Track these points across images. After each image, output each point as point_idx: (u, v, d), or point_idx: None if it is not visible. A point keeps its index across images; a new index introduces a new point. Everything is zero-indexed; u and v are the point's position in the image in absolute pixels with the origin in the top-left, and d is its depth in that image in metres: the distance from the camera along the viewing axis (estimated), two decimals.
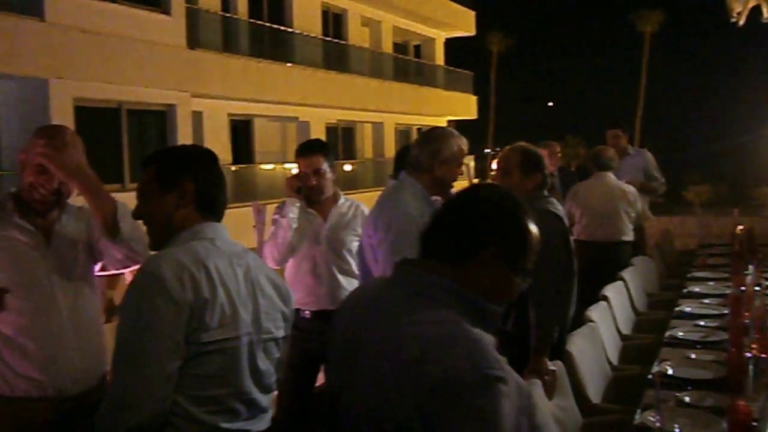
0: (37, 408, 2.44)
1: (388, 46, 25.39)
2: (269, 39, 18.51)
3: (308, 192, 3.79)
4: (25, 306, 2.46)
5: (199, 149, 2.09)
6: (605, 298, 4.60)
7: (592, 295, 4.56)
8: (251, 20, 18.14)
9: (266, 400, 1.99)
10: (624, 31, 73.84)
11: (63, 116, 11.81)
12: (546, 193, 3.67)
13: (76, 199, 2.64)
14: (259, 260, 2.08)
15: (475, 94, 30.56)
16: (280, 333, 2.03)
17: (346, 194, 4.03)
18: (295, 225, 3.71)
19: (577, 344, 3.56)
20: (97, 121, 13.37)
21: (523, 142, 3.76)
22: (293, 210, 3.72)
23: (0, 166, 11.84)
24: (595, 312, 4.21)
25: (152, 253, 1.97)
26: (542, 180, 3.62)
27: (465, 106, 29.28)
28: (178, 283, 1.78)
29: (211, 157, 2.06)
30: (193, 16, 15.65)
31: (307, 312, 3.80)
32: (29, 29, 11.84)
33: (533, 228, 1.67)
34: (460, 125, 26.56)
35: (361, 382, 1.59)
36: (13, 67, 11.67)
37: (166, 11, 14.69)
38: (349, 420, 1.63)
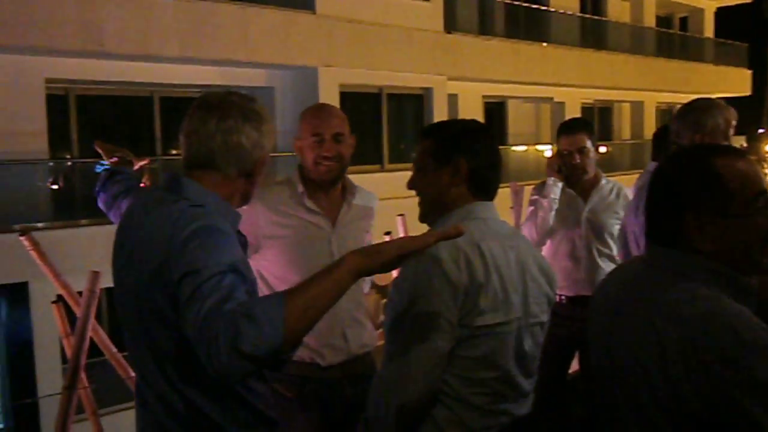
0: (310, 373, 2.63)
1: (650, 20, 23.94)
2: (525, 19, 18.29)
3: (570, 172, 3.69)
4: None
5: (476, 126, 2.01)
6: None
7: None
8: (507, 1, 18.05)
9: (529, 384, 1.96)
10: None
11: (330, 102, 12.54)
12: None
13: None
14: (528, 242, 2.03)
15: (749, 68, 27.85)
16: (545, 317, 1.99)
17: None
18: (555, 206, 3.64)
19: None
20: (359, 105, 14.16)
21: None
22: (554, 190, 3.64)
23: (276, 148, 12.97)
24: None
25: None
26: None
27: (737, 82, 26.80)
28: (454, 264, 1.76)
29: (487, 135, 2.00)
30: (450, 0, 15.93)
31: (563, 297, 3.72)
32: (302, 22, 12.83)
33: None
34: (731, 102, 24.33)
35: (621, 364, 1.54)
36: (288, 57, 12.74)
37: None
38: (609, 403, 1.58)
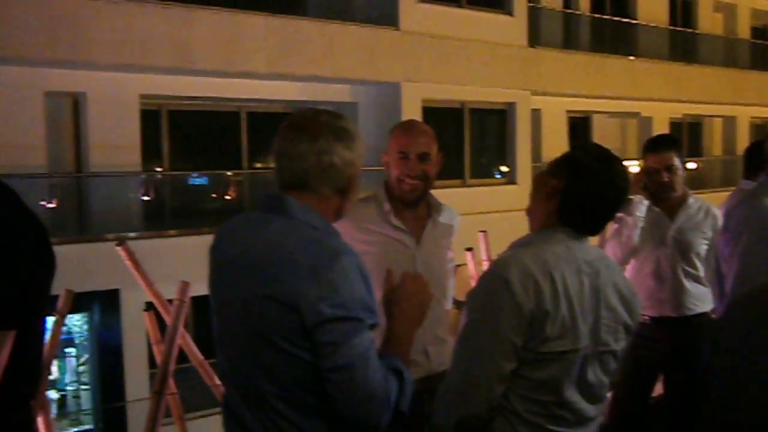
0: None
1: (744, 32, 23.12)
2: (611, 33, 17.97)
3: (657, 189, 3.60)
4: None
5: (584, 152, 1.97)
6: None
7: None
8: (593, 14, 17.78)
9: (593, 409, 1.94)
10: None
11: (412, 117, 12.70)
12: None
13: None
14: (613, 268, 1.99)
15: None
16: (620, 345, 1.96)
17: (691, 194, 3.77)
18: (641, 224, 3.56)
19: None
20: (441, 120, 14.18)
21: None
22: (640, 208, 3.56)
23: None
24: None
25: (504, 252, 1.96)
26: None
27: None
28: (522, 289, 1.78)
29: (591, 162, 1.92)
30: (534, 14, 15.81)
31: (646, 317, 3.63)
32: (386, 38, 12.98)
33: None
34: None
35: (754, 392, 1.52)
36: (372, 73, 12.90)
37: (509, 12, 15.03)
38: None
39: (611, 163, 1.92)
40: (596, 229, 1.94)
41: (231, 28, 11.27)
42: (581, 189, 1.90)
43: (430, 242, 2.74)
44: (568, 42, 16.83)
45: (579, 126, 18.57)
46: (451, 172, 14.15)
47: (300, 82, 12.65)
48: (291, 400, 1.70)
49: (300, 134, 1.78)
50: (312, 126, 1.79)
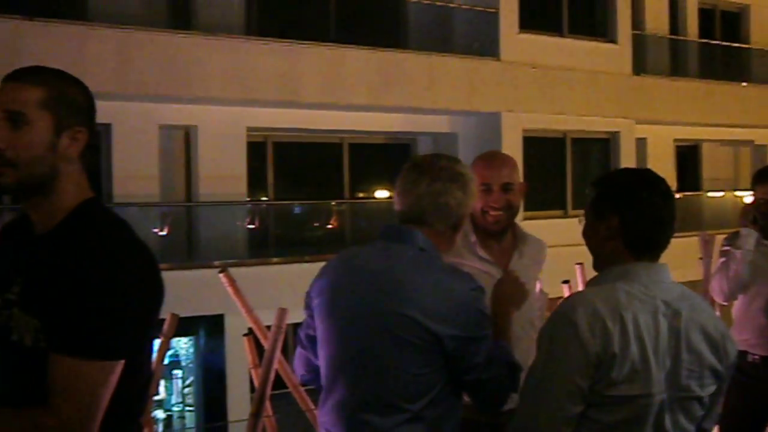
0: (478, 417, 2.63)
1: None
2: (721, 58, 17.34)
3: (766, 223, 3.46)
4: None
5: (642, 180, 1.93)
6: None
7: None
8: (701, 40, 17.23)
9: None
10: None
11: (513, 147, 12.65)
12: None
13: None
14: (700, 308, 1.89)
15: None
16: (708, 390, 1.85)
17: None
18: (749, 258, 3.42)
19: None
20: (543, 150, 14.03)
21: None
22: (749, 241, 3.42)
23: None
24: None
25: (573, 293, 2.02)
26: None
27: None
28: (589, 331, 1.74)
29: (654, 190, 1.89)
30: (639, 41, 15.47)
31: (755, 356, 3.46)
32: (486, 68, 13.00)
33: None
34: None
35: None
36: (472, 103, 12.94)
37: (613, 40, 14.78)
38: None
39: (652, 185, 1.90)
40: (659, 252, 1.90)
41: (334, 62, 11.58)
42: (639, 218, 1.86)
43: (517, 273, 2.72)
44: (676, 69, 16.34)
45: (687, 155, 17.94)
46: (553, 202, 13.95)
47: (401, 113, 12.81)
48: (394, 409, 1.95)
49: (420, 176, 2.04)
50: (431, 169, 2.04)
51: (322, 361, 2.08)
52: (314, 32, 11.90)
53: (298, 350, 2.21)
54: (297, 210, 13.04)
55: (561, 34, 14.19)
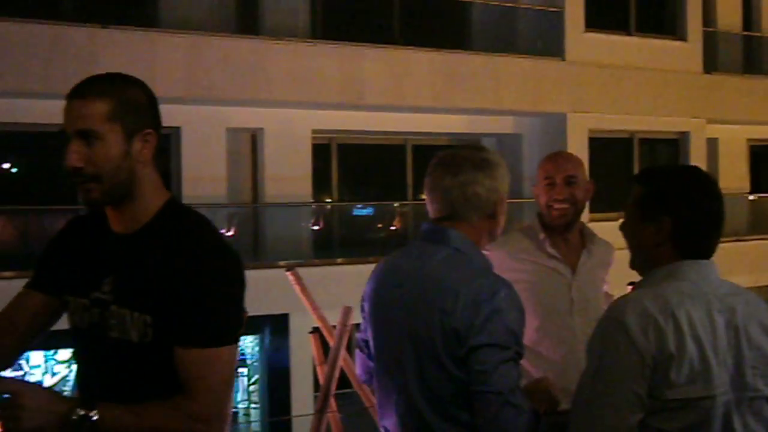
0: None
1: None
2: None
3: None
4: (544, 326, 2.69)
5: (692, 177, 1.85)
6: None
7: None
8: None
9: None
10: None
11: (578, 148, 12.47)
12: None
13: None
14: (755, 302, 1.81)
15: None
16: None
17: None
18: None
19: None
20: (609, 151, 13.79)
21: None
22: None
23: (522, 194, 13.03)
24: None
25: (622, 295, 1.89)
26: None
27: None
28: (641, 333, 1.66)
29: (704, 188, 1.82)
30: (710, 38, 15.06)
31: None
32: (551, 68, 12.87)
33: None
34: None
35: None
36: (537, 104, 12.83)
37: (682, 37, 14.43)
38: None
39: (703, 182, 1.83)
40: (711, 252, 1.81)
41: (398, 63, 11.63)
42: (695, 219, 1.78)
43: (585, 272, 2.72)
44: (749, 66, 15.84)
45: (762, 155, 17.35)
46: (620, 204, 13.66)
47: (464, 114, 12.79)
48: (446, 416, 1.88)
49: (445, 171, 1.97)
50: (454, 161, 1.98)
51: (374, 364, 2.09)
52: (378, 34, 11.98)
53: (357, 352, 2.24)
54: (361, 211, 13.14)
55: (628, 33, 13.93)
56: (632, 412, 1.66)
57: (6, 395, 1.45)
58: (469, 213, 1.95)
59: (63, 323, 1.83)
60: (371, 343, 2.09)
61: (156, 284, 1.61)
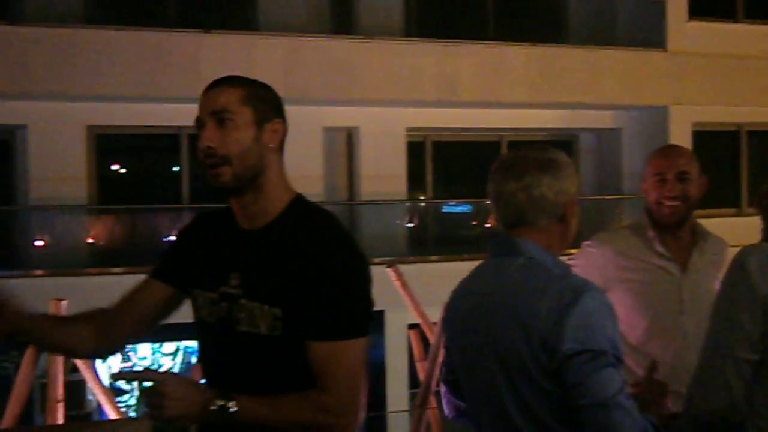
0: None
1: None
2: None
3: None
4: (653, 327, 2.62)
5: None
6: None
7: None
8: None
9: None
10: None
11: (682, 142, 11.95)
12: None
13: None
14: None
15: None
16: None
17: None
18: None
19: None
20: (715, 144, 13.25)
21: None
22: None
23: (621, 191, 12.69)
24: None
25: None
26: None
27: None
28: (760, 274, 1.70)
29: None
30: None
31: None
32: (651, 60, 12.46)
33: None
34: None
35: None
36: (637, 97, 12.47)
37: None
38: None
39: None
40: None
41: (494, 59, 11.55)
42: None
43: (696, 271, 2.62)
44: None
45: None
46: (725, 200, 13.12)
47: (561, 109, 12.56)
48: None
49: (507, 174, 1.85)
50: (517, 164, 1.85)
51: (466, 397, 1.96)
52: (473, 31, 11.93)
53: (442, 387, 2.10)
54: (454, 208, 13.11)
55: (735, 20, 13.30)
56: (746, 352, 1.69)
57: (149, 383, 1.53)
58: (537, 217, 1.82)
59: (170, 317, 1.90)
60: (460, 377, 1.97)
61: (286, 278, 1.65)
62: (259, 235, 1.73)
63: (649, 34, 12.64)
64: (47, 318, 1.86)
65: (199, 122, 1.71)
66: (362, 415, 1.69)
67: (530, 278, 1.77)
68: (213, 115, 1.68)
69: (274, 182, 1.74)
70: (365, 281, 1.70)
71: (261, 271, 1.69)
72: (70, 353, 2.33)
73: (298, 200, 1.78)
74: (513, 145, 13.03)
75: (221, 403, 1.54)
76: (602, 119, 13.05)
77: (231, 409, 1.54)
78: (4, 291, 1.66)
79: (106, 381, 4.22)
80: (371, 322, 1.71)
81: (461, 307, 1.93)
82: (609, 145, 13.05)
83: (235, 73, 1.80)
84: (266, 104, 1.74)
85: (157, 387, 1.51)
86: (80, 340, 1.80)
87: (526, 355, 1.71)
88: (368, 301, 1.71)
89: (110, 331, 1.82)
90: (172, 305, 1.86)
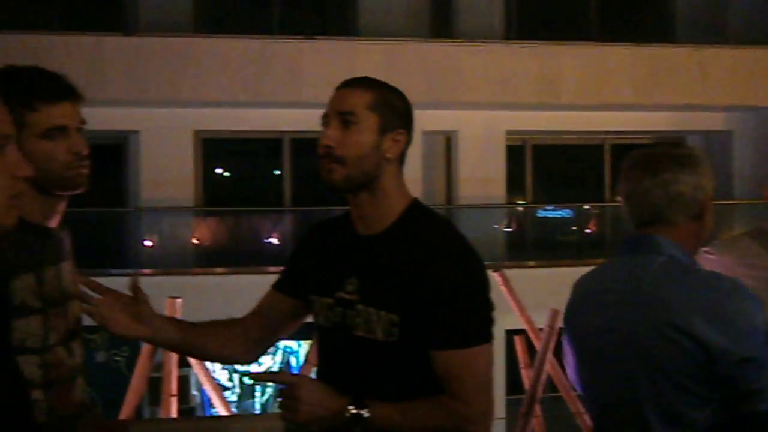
0: None
1: None
2: None
3: None
4: None
5: None
6: None
7: None
8: None
9: None
10: None
11: None
12: None
13: None
14: None
15: None
16: None
17: None
18: None
19: None
20: None
21: None
22: None
23: (732, 195, 12.14)
24: None
25: None
26: None
27: None
28: None
29: None
30: None
31: None
32: (766, 59, 11.88)
33: None
34: None
35: None
36: (750, 98, 11.92)
37: None
38: None
39: None
40: None
41: (596, 60, 11.28)
42: None
43: None
44: None
45: None
46: None
47: (668, 111, 12.14)
48: None
49: (642, 171, 1.79)
50: (651, 160, 1.79)
51: (587, 401, 1.92)
52: (575, 32, 11.70)
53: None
54: (552, 213, 12.87)
55: None
56: None
57: (284, 386, 1.56)
58: (675, 215, 1.75)
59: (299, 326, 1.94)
60: (585, 376, 1.89)
61: (404, 284, 1.64)
62: (375, 240, 1.72)
63: (763, 31, 12.07)
64: (184, 324, 1.89)
65: (326, 118, 1.71)
66: (494, 422, 1.67)
67: (676, 279, 1.72)
68: (339, 115, 1.69)
69: (389, 189, 1.73)
70: (485, 286, 1.69)
71: (377, 276, 1.69)
72: (211, 358, 2.38)
73: (415, 205, 1.77)
74: (616, 148, 12.68)
75: (355, 411, 1.56)
76: (712, 121, 12.54)
77: (365, 416, 1.56)
78: (142, 295, 1.70)
79: (220, 377, 4.33)
80: (493, 327, 1.69)
81: (592, 306, 1.85)
82: (719, 148, 12.52)
83: (335, 80, 1.80)
84: (394, 113, 1.72)
85: (291, 389, 1.54)
86: (221, 346, 1.85)
87: (681, 364, 1.65)
88: (490, 306, 1.69)
89: (247, 339, 1.86)
90: (298, 314, 1.88)
